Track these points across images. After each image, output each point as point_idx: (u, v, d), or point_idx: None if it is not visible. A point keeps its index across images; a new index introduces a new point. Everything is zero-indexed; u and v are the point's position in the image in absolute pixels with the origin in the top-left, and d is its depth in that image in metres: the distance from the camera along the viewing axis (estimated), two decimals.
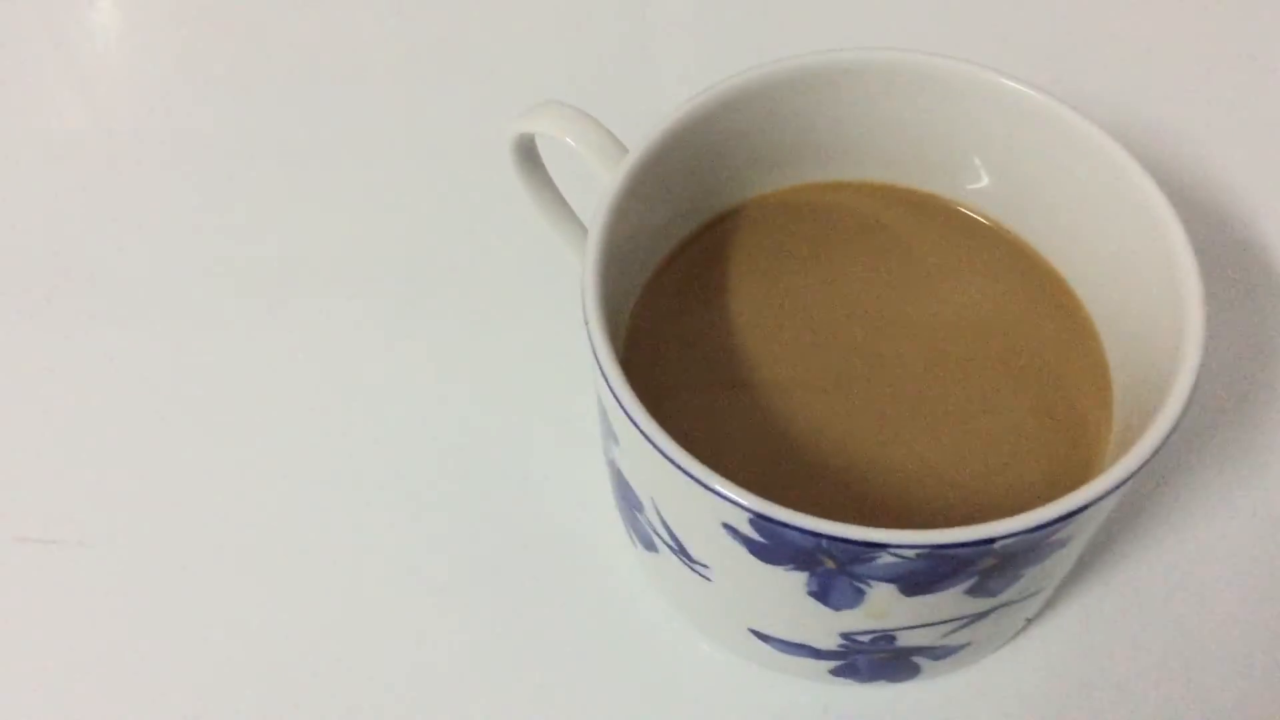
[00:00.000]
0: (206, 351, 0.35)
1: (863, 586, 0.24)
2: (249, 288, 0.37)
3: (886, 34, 0.40)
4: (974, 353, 0.29)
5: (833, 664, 0.28)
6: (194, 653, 0.31)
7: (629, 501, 0.28)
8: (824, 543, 0.22)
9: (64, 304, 0.36)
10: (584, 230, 0.30)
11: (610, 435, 0.27)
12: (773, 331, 0.29)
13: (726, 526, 0.24)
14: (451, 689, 0.30)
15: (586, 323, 0.25)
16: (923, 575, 0.23)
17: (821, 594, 0.24)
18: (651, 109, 0.28)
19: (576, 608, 0.31)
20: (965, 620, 0.26)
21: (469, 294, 0.36)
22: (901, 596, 0.24)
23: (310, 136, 0.40)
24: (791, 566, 0.24)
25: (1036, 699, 0.30)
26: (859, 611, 0.25)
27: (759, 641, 0.28)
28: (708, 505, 0.23)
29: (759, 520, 0.23)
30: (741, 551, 0.24)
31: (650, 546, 0.28)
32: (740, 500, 0.22)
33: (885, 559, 0.23)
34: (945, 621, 0.26)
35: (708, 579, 0.27)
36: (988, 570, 0.24)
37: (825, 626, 0.26)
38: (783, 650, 0.28)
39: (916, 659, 0.28)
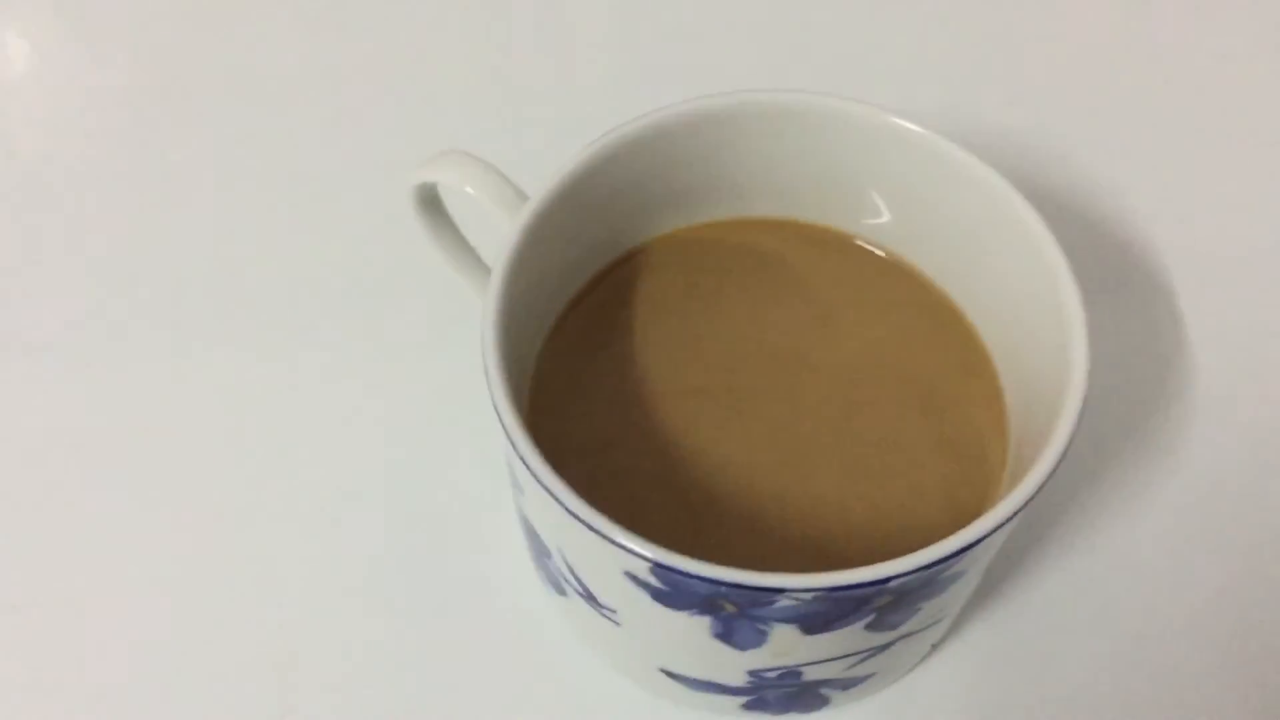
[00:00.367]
0: (115, 385, 0.35)
1: (764, 628, 0.24)
2: (157, 321, 0.37)
3: (787, 75, 0.41)
4: (875, 387, 0.30)
5: (743, 699, 0.28)
6: (103, 670, 0.31)
7: (537, 548, 0.28)
8: (722, 589, 0.23)
9: None
10: (489, 274, 0.30)
11: (516, 484, 0.27)
12: (678, 370, 0.30)
13: (629, 575, 0.24)
14: None
15: (487, 374, 0.25)
16: (821, 615, 0.24)
17: (726, 636, 0.25)
18: (561, 151, 0.29)
19: (493, 649, 0.31)
20: (869, 653, 0.27)
21: (382, 332, 0.36)
22: (803, 635, 0.25)
23: (224, 170, 0.40)
24: (695, 611, 0.24)
25: None
26: (764, 650, 0.25)
27: (671, 680, 0.28)
28: (609, 554, 0.23)
29: (659, 569, 0.23)
30: (645, 598, 0.24)
31: (561, 591, 0.28)
32: (640, 550, 0.23)
33: (783, 602, 0.23)
34: (849, 655, 0.26)
35: (616, 623, 0.27)
36: (885, 606, 0.24)
37: (733, 665, 0.26)
38: (694, 688, 0.28)
39: (824, 690, 0.28)
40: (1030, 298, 0.27)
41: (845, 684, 0.28)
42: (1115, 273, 0.37)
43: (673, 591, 0.24)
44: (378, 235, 0.38)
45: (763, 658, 0.26)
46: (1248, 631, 0.31)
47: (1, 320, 0.37)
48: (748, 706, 0.29)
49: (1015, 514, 0.23)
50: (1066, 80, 0.42)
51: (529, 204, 0.28)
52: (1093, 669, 0.31)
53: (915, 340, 0.30)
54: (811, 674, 0.27)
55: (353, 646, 0.31)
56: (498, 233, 0.27)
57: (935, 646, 0.31)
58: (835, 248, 0.31)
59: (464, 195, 0.29)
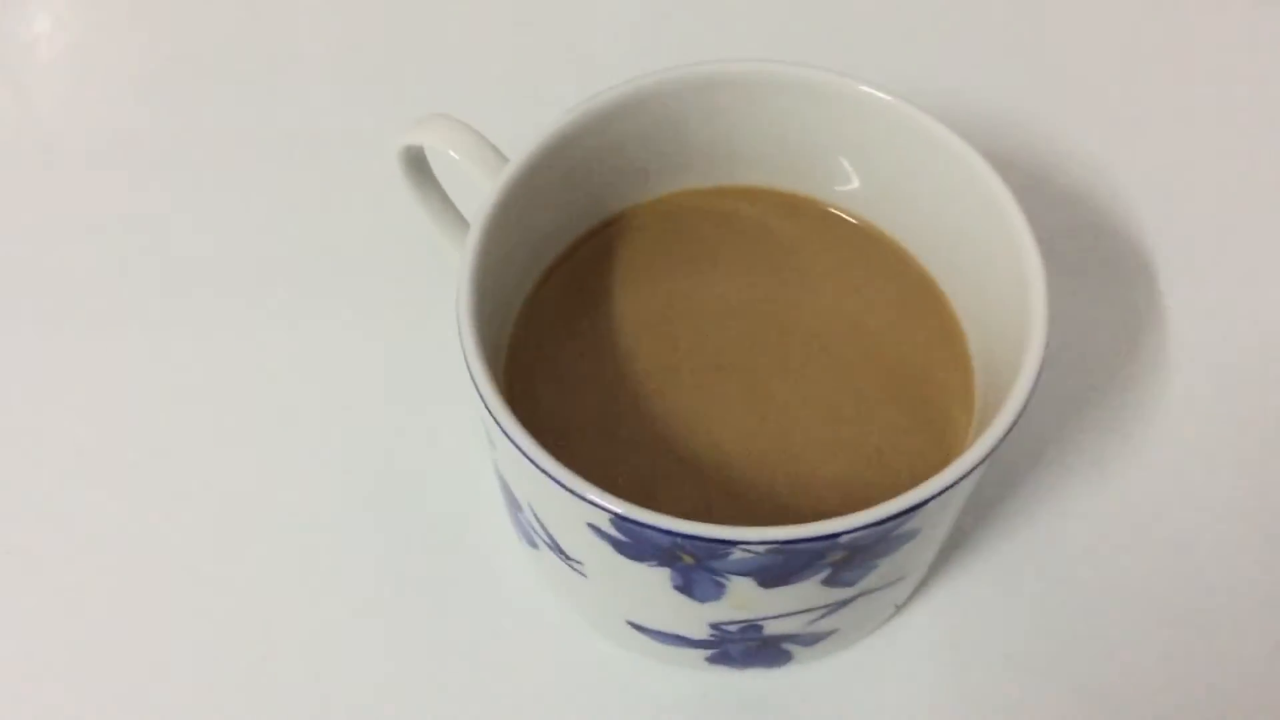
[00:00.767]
0: (100, 353, 0.36)
1: (722, 580, 0.25)
2: (133, 290, 0.37)
3: (760, 44, 0.42)
4: (847, 353, 0.30)
5: (707, 652, 0.29)
6: (69, 665, 0.31)
7: (510, 502, 0.29)
8: (679, 540, 0.24)
9: None
10: None
11: (489, 439, 0.28)
12: (654, 334, 0.30)
13: (592, 527, 0.25)
14: (343, 679, 0.31)
15: (459, 327, 0.26)
16: (776, 569, 0.25)
17: (686, 588, 0.26)
18: (545, 117, 0.29)
19: (468, 600, 0.32)
20: (828, 609, 0.27)
21: (363, 291, 0.37)
22: (760, 588, 0.25)
23: (213, 137, 0.41)
24: (655, 563, 0.25)
25: (909, 682, 0.31)
26: (723, 603, 0.26)
27: (637, 632, 0.29)
28: (573, 507, 0.24)
29: (619, 520, 0.24)
30: (608, 549, 0.25)
31: (532, 544, 0.29)
32: (600, 502, 0.24)
33: (738, 554, 0.24)
34: (808, 610, 0.27)
35: (584, 574, 0.28)
36: (839, 563, 0.25)
37: (694, 617, 0.27)
38: (660, 640, 0.29)
39: (786, 646, 0.29)
40: (995, 265, 0.28)
41: (807, 640, 0.29)
42: (1095, 254, 0.38)
43: (633, 543, 0.25)
44: (366, 200, 0.38)
45: (723, 610, 0.27)
46: (1208, 592, 0.32)
47: None
48: (712, 660, 0.30)
49: (962, 478, 0.24)
50: (1058, 60, 0.43)
51: (509, 166, 0.28)
52: (1057, 635, 0.32)
53: (888, 307, 0.31)
54: (772, 628, 0.28)
55: (331, 599, 0.32)
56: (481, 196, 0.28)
57: (900, 608, 0.32)
58: (809, 215, 0.32)
59: (448, 159, 0.30)
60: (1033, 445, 0.34)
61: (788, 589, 0.26)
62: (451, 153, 0.30)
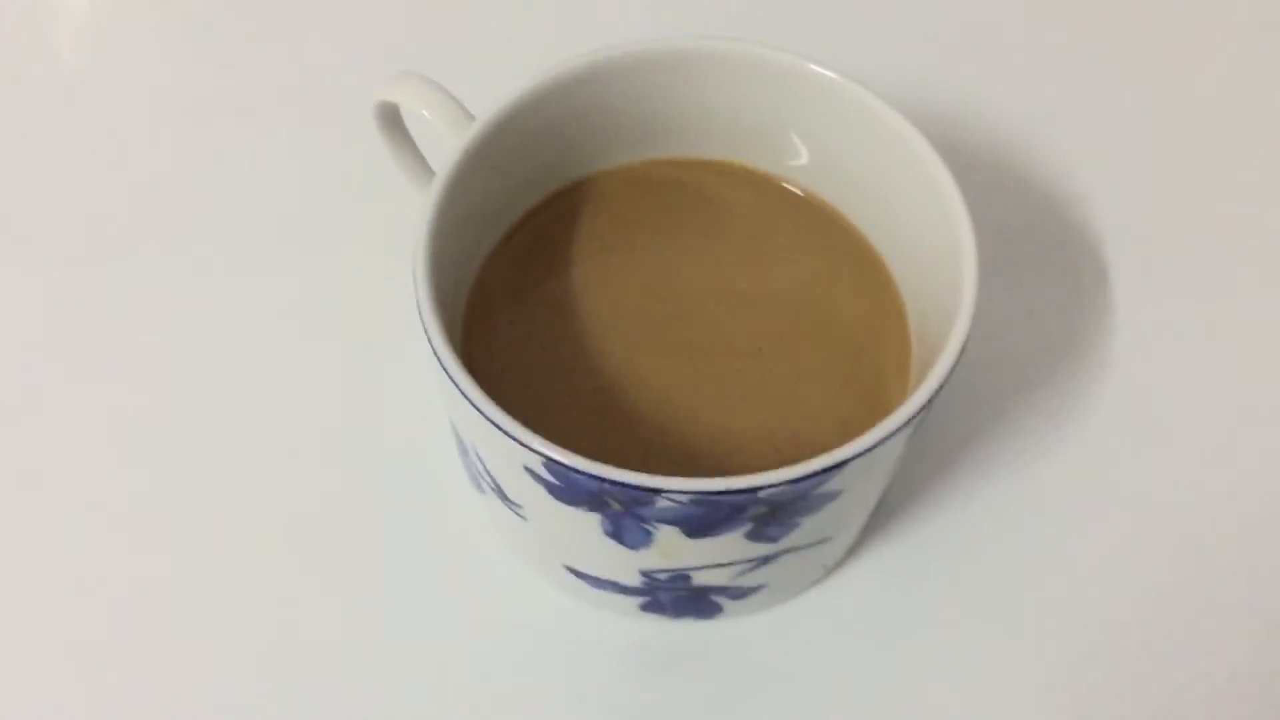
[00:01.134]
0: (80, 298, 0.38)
1: (649, 528, 0.27)
2: (116, 234, 0.39)
3: (729, 23, 0.43)
4: (793, 323, 0.32)
5: (640, 600, 0.31)
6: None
7: (460, 446, 0.31)
8: (606, 486, 0.25)
9: None
10: None
11: (440, 385, 0.29)
12: (609, 297, 0.32)
13: (528, 470, 0.26)
14: (291, 617, 0.32)
15: (414, 277, 0.27)
16: (699, 519, 0.26)
17: (616, 534, 0.27)
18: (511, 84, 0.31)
19: (416, 543, 0.33)
20: (753, 563, 0.29)
21: (331, 241, 0.38)
22: (686, 538, 0.27)
23: (192, 89, 0.42)
24: (586, 508, 0.26)
25: (835, 643, 0.32)
26: (651, 551, 0.28)
27: (574, 578, 0.31)
28: (509, 449, 0.26)
29: (551, 464, 0.25)
30: (543, 493, 0.27)
31: (479, 488, 0.31)
32: (533, 445, 0.25)
33: (662, 503, 0.25)
34: (733, 563, 0.29)
35: (524, 518, 0.29)
36: (761, 517, 0.26)
37: (626, 564, 0.29)
38: (595, 586, 0.31)
39: (715, 598, 0.31)
40: (933, 238, 0.29)
41: (735, 593, 0.30)
42: (1055, 256, 0.39)
43: (565, 487, 0.26)
44: (337, 154, 0.39)
45: (651, 558, 0.28)
46: (1141, 560, 0.33)
47: None
48: (645, 608, 0.31)
49: (882, 441, 0.25)
50: (1041, 61, 0.43)
51: (474, 125, 0.30)
52: (979, 615, 0.33)
53: (830, 277, 0.32)
54: (700, 579, 0.29)
55: (283, 541, 0.33)
56: None
57: (829, 570, 0.33)
58: (763, 189, 0.33)
59: (420, 118, 0.31)
60: (970, 427, 0.35)
61: (712, 540, 0.27)
62: (423, 111, 0.31)
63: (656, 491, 0.25)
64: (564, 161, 0.33)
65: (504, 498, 0.29)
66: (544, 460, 0.25)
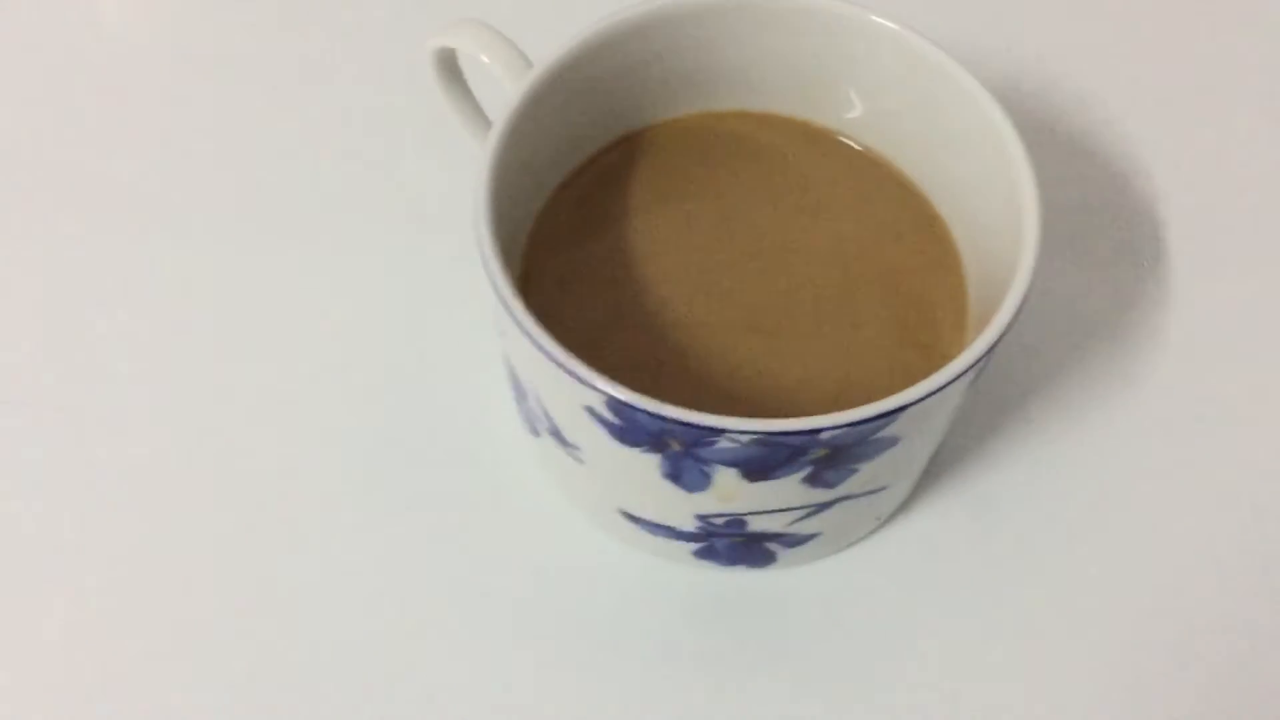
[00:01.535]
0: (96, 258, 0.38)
1: (708, 470, 0.27)
2: (166, 203, 0.39)
3: None
4: (849, 275, 0.32)
5: (694, 546, 0.31)
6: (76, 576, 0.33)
7: (517, 391, 0.31)
8: (668, 425, 0.25)
9: None
10: None
11: (500, 329, 0.29)
12: (666, 246, 0.32)
13: (589, 410, 0.26)
14: (345, 565, 0.33)
15: (475, 220, 0.27)
16: (759, 461, 0.26)
17: (674, 475, 0.27)
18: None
19: (471, 491, 0.34)
20: (810, 509, 0.29)
21: (386, 190, 0.38)
22: (744, 481, 0.27)
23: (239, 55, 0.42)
24: (646, 449, 0.27)
25: (887, 594, 0.33)
26: (709, 494, 0.28)
27: (629, 523, 0.31)
28: (572, 389, 0.26)
29: (613, 403, 0.25)
30: (603, 433, 0.27)
31: (535, 432, 0.31)
32: (597, 384, 0.25)
33: (723, 443, 0.25)
34: (790, 509, 0.29)
35: (580, 460, 0.29)
36: (820, 460, 0.27)
37: (682, 508, 0.29)
38: (650, 531, 0.31)
39: (770, 545, 0.31)
40: (993, 191, 0.29)
41: (790, 541, 0.31)
42: (1108, 224, 0.39)
43: (626, 427, 0.26)
44: (393, 103, 0.40)
45: (709, 502, 0.28)
46: (1195, 530, 0.33)
47: None
48: (699, 555, 0.31)
49: (941, 388, 0.26)
50: (1115, 37, 0.43)
51: (532, 71, 0.30)
52: (1032, 570, 0.33)
53: (890, 233, 0.32)
54: (756, 524, 0.29)
55: (337, 486, 0.34)
56: None
57: (881, 522, 0.33)
58: (818, 142, 0.33)
59: (479, 63, 0.31)
60: (1022, 387, 0.35)
61: (771, 484, 0.27)
62: (482, 56, 0.31)
63: (719, 431, 0.25)
64: (620, 112, 0.33)
65: (561, 440, 0.29)
66: (607, 400, 0.25)
